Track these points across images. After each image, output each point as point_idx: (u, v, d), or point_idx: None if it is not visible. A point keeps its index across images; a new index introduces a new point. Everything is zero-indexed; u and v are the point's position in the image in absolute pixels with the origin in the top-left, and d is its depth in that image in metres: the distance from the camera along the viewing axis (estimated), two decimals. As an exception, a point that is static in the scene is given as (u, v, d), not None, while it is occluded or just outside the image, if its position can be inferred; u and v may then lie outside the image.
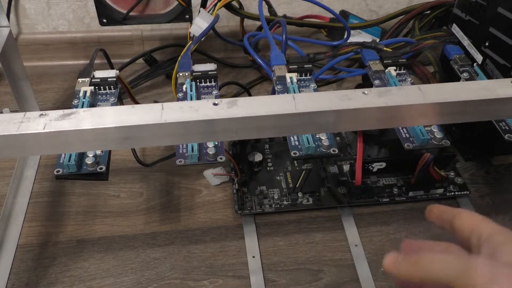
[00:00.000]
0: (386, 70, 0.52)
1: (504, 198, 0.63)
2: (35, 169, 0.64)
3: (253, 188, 0.61)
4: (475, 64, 0.55)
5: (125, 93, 0.57)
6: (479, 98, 0.34)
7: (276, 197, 0.60)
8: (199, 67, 0.53)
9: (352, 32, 0.70)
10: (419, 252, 0.31)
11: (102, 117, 0.32)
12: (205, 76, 0.52)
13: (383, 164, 0.60)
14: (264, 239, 0.58)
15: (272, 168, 0.64)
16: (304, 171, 0.62)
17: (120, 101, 0.53)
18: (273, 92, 0.50)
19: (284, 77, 0.50)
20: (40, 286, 0.52)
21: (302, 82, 0.51)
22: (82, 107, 0.47)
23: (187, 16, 0.63)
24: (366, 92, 0.34)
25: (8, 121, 0.31)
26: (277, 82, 0.49)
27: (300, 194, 0.60)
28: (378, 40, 0.80)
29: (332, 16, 0.69)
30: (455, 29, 0.62)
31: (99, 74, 0.51)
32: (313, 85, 0.51)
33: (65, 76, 0.82)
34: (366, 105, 0.33)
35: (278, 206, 0.59)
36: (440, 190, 0.61)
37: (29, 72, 0.63)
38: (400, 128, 0.47)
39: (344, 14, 0.83)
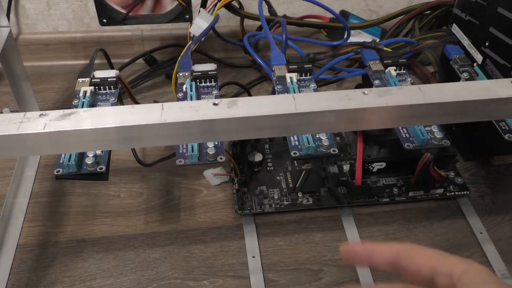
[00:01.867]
0: (386, 70, 0.52)
1: (504, 198, 0.63)
2: (35, 169, 0.64)
3: (253, 188, 0.61)
4: (475, 64, 0.55)
5: (125, 93, 0.57)
6: (479, 98, 0.34)
7: (276, 197, 0.60)
8: (199, 67, 0.53)
9: (352, 32, 0.70)
10: None
11: (102, 117, 0.32)
12: (205, 76, 0.52)
13: (383, 164, 0.60)
14: (264, 239, 0.58)
15: (272, 168, 0.64)
16: (304, 171, 0.62)
17: (120, 101, 0.53)
18: (273, 92, 0.50)
19: (284, 77, 0.50)
20: (40, 286, 0.52)
21: (302, 82, 0.51)
22: (82, 107, 0.47)
23: (187, 16, 0.63)
24: (366, 92, 0.34)
25: (8, 121, 0.31)
26: (277, 82, 0.49)
27: (300, 194, 0.60)
28: (378, 40, 0.80)
29: (332, 16, 0.69)
30: (455, 29, 0.62)
31: (99, 74, 0.51)
32: (313, 85, 0.51)
33: (65, 76, 0.82)
34: (366, 105, 0.33)
35: (278, 206, 0.59)
36: (440, 190, 0.61)
37: (29, 72, 0.63)
38: (400, 128, 0.47)
39: (344, 14, 0.83)
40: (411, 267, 0.25)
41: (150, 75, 0.81)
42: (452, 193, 0.61)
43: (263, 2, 0.62)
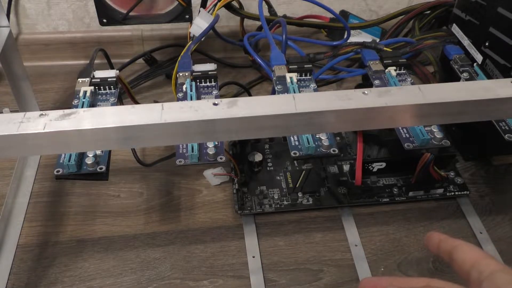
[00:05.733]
0: (386, 70, 0.52)
1: (504, 198, 0.63)
2: (35, 169, 0.64)
3: (253, 188, 0.61)
4: (475, 64, 0.55)
5: (125, 93, 0.57)
6: (479, 98, 0.34)
7: (276, 197, 0.60)
8: (199, 67, 0.53)
9: (352, 32, 0.70)
10: None
11: (102, 117, 0.32)
12: (205, 76, 0.52)
13: (383, 164, 0.60)
14: (264, 239, 0.58)
15: (272, 168, 0.64)
16: (304, 171, 0.62)
17: (120, 101, 0.53)
18: (273, 92, 0.50)
19: (284, 77, 0.50)
20: (40, 286, 0.52)
21: (302, 82, 0.51)
22: (82, 107, 0.47)
23: (187, 16, 0.63)
24: (366, 92, 0.34)
25: (8, 121, 0.31)
26: (277, 82, 0.49)
27: (300, 194, 0.60)
28: (378, 40, 0.80)
29: (332, 16, 0.69)
30: (455, 29, 0.62)
31: (99, 74, 0.51)
32: (313, 85, 0.51)
33: (65, 76, 0.82)
34: (366, 105, 0.33)
35: (278, 206, 0.59)
36: (440, 190, 0.61)
37: (29, 72, 0.63)
38: (400, 128, 0.47)
39: (344, 14, 0.83)
40: (458, 260, 0.30)
41: (150, 75, 0.81)
42: (452, 193, 0.61)
43: (263, 2, 0.62)
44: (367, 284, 0.33)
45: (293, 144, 0.45)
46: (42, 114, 0.32)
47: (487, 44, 0.56)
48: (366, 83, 0.59)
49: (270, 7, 0.72)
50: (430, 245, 0.33)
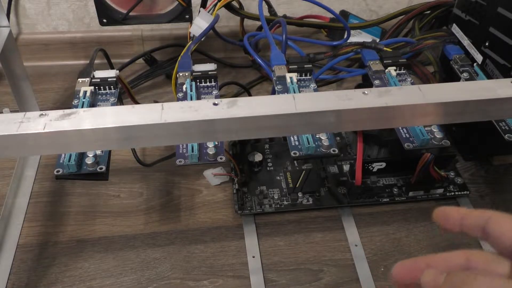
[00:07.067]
0: (386, 70, 0.52)
1: (504, 198, 0.63)
2: (35, 169, 0.64)
3: (253, 188, 0.61)
4: (475, 64, 0.55)
5: (125, 93, 0.57)
6: (479, 98, 0.34)
7: (276, 197, 0.60)
8: (199, 67, 0.53)
9: (352, 32, 0.70)
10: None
11: (102, 117, 0.32)
12: (205, 76, 0.52)
13: (383, 164, 0.60)
14: (264, 239, 0.58)
15: (272, 168, 0.64)
16: (304, 171, 0.62)
17: (120, 101, 0.53)
18: (273, 92, 0.50)
19: (284, 77, 0.50)
20: (40, 286, 0.52)
21: (302, 82, 0.51)
22: (82, 107, 0.47)
23: (187, 16, 0.63)
24: (366, 92, 0.34)
25: (8, 121, 0.31)
26: (277, 82, 0.49)
27: (300, 194, 0.60)
28: (378, 40, 0.80)
29: (332, 16, 0.69)
30: (455, 29, 0.62)
31: (99, 74, 0.51)
32: (313, 85, 0.51)
33: (65, 76, 0.82)
34: (366, 105, 0.33)
35: (278, 206, 0.59)
36: (440, 190, 0.61)
37: (29, 72, 0.63)
38: (400, 128, 0.47)
39: (344, 14, 0.83)
40: (494, 233, 0.26)
41: (150, 75, 0.81)
42: (452, 193, 0.61)
43: (263, 2, 0.62)
44: (402, 269, 0.27)
45: (293, 144, 0.45)
46: (42, 114, 0.32)
47: (487, 44, 0.56)
48: (366, 83, 0.59)
49: (270, 7, 0.72)
50: (449, 222, 0.28)
